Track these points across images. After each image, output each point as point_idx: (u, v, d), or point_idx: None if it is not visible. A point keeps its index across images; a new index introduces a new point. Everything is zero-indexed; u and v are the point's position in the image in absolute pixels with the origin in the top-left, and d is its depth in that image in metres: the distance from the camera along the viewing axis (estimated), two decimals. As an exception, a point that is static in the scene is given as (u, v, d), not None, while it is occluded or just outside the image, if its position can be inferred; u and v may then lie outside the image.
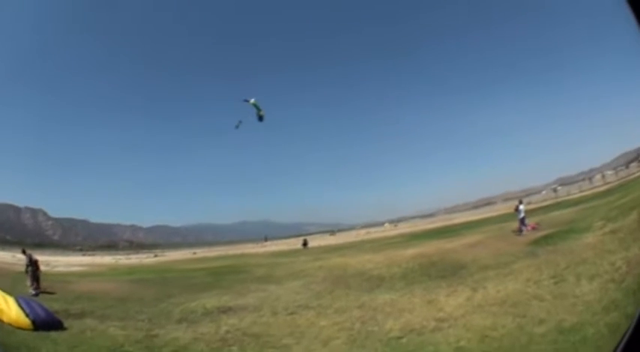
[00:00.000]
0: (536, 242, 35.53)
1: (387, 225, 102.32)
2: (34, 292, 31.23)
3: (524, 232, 41.98)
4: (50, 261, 49.73)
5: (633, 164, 75.11)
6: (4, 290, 23.71)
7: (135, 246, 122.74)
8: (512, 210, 46.62)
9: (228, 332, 22.43)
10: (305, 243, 72.71)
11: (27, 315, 21.10)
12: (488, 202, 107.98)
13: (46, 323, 21.32)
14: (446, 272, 31.58)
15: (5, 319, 20.96)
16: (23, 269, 33.64)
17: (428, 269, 33.83)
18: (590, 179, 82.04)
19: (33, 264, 33.58)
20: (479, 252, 36.33)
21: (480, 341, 17.70)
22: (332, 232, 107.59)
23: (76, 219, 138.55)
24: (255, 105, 47.17)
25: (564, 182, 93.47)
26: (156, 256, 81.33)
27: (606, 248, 27.10)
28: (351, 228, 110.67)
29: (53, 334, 20.82)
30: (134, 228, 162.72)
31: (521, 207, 44.35)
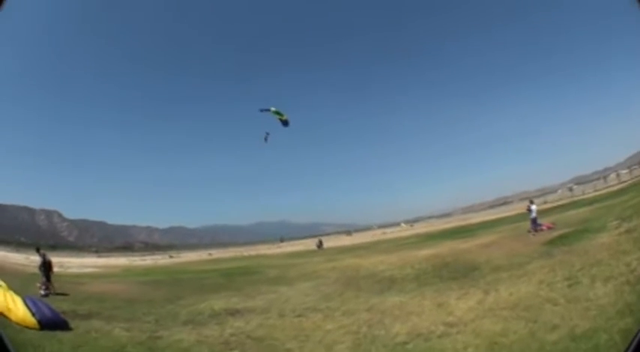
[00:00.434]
0: (551, 242, 35.02)
1: (403, 225, 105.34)
2: (43, 293, 31.32)
3: (536, 232, 41.93)
4: (64, 263, 52.52)
5: None
6: (14, 291, 23.81)
7: (150, 247, 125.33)
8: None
9: (232, 335, 22.19)
10: (320, 244, 73.07)
11: (33, 315, 21.28)
12: (504, 201, 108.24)
13: (52, 323, 21.51)
14: (458, 273, 31.08)
15: (13, 318, 21.24)
16: (36, 270, 33.81)
17: (440, 270, 33.34)
18: (604, 178, 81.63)
19: (46, 264, 33.64)
20: (492, 253, 35.96)
21: (489, 349, 17.04)
22: (348, 232, 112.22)
23: (91, 220, 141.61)
24: (276, 112, 47.32)
25: (580, 181, 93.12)
26: (171, 257, 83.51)
27: (621, 248, 26.48)
28: (368, 228, 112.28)
29: (59, 334, 20.84)
30: (150, 230, 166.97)
31: (533, 207, 44.40)
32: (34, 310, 21.64)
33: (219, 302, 29.60)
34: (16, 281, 30.08)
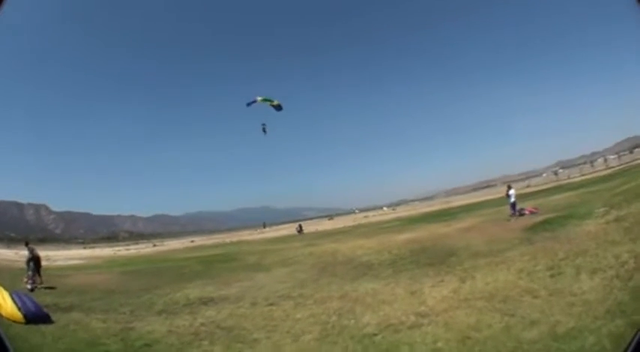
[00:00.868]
0: (533, 227, 34.16)
1: (385, 208, 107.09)
2: (30, 287, 31.73)
3: (518, 217, 41.67)
4: (51, 256, 52.75)
5: (638, 149, 73.63)
6: (4, 286, 24.22)
7: (135, 236, 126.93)
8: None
9: (202, 324, 21.92)
10: (300, 229, 74.57)
11: (19, 309, 21.90)
12: (487, 184, 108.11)
13: (35, 317, 22.05)
14: (435, 259, 30.21)
15: (3, 313, 21.84)
16: (24, 264, 34.08)
17: (418, 255, 32.64)
18: (591, 163, 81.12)
19: (35, 259, 33.82)
20: (472, 238, 35.14)
21: (461, 343, 15.68)
22: (330, 217, 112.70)
23: (77, 212, 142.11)
24: (265, 100, 46.61)
25: (566, 165, 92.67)
26: (155, 246, 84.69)
27: (609, 238, 25.00)
28: (350, 212, 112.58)
29: (42, 327, 21.18)
30: (134, 219, 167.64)
31: (512, 191, 44.36)
32: (19, 304, 22.21)
33: (194, 291, 29.71)
34: (5, 276, 33.50)
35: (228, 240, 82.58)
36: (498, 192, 50.50)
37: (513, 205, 43.26)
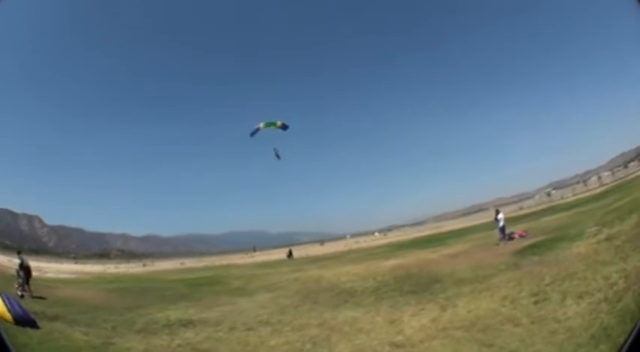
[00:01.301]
0: (521, 252, 33.25)
1: (376, 234, 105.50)
2: (20, 293, 32.30)
3: (507, 241, 40.72)
4: (43, 267, 53.99)
5: (632, 163, 72.44)
6: None
7: (126, 254, 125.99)
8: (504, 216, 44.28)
9: (179, 346, 22.10)
10: (290, 254, 73.05)
11: (9, 311, 22.45)
12: (479, 208, 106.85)
13: (23, 321, 22.56)
14: (419, 286, 29.51)
15: None
16: (15, 271, 34.73)
17: (402, 282, 31.96)
18: (585, 181, 79.97)
19: (24, 267, 34.29)
20: (458, 264, 34.37)
21: None
22: (321, 242, 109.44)
23: (70, 227, 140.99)
24: (268, 124, 45.79)
25: (558, 185, 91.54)
26: (145, 266, 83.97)
27: (600, 258, 24.00)
28: (342, 237, 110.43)
29: (29, 330, 21.68)
30: (126, 237, 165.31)
31: (500, 215, 43.32)
32: (9, 307, 22.76)
33: (176, 313, 29.53)
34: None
35: (217, 263, 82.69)
36: (489, 216, 49.08)
37: (502, 229, 42.22)
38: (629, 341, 10.16)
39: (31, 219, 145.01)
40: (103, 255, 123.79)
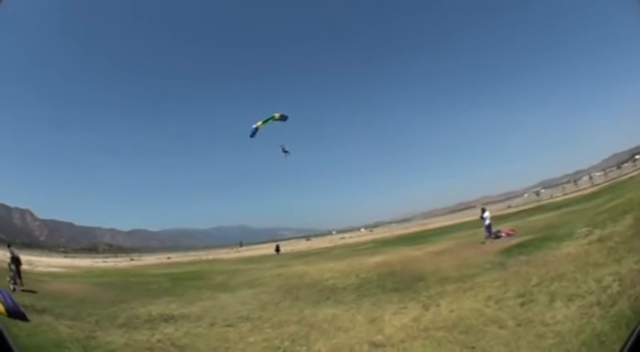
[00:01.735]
0: (508, 251, 32.41)
1: (362, 230, 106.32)
2: (12, 287, 32.53)
3: (493, 239, 40.14)
4: (33, 261, 54.53)
5: (626, 165, 71.92)
6: None
7: (114, 249, 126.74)
8: (492, 214, 44.03)
9: (159, 341, 22.03)
10: (277, 249, 73.34)
11: (2, 303, 22.88)
12: (467, 206, 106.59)
13: (14, 313, 22.93)
14: (402, 284, 28.99)
15: None
16: (7, 264, 34.97)
17: (385, 280, 31.52)
18: (575, 181, 79.62)
19: (15, 261, 34.61)
20: (443, 262, 33.88)
21: None
22: (307, 237, 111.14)
23: (60, 221, 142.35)
24: (265, 121, 44.52)
25: (548, 184, 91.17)
26: (132, 260, 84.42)
27: (591, 260, 23.14)
28: (328, 233, 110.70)
29: (19, 322, 22.04)
30: (114, 232, 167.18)
31: (486, 214, 42.85)
32: (2, 300, 23.15)
33: (158, 308, 29.58)
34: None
35: (204, 258, 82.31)
36: (477, 214, 48.37)
37: (488, 227, 41.75)
38: (626, 349, 9.29)
39: (23, 212, 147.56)
40: (91, 249, 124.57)
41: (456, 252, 38.20)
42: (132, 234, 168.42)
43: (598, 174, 75.14)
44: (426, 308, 22.23)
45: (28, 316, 23.40)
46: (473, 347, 15.82)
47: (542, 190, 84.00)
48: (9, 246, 39.18)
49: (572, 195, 66.05)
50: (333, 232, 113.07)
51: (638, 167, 66.62)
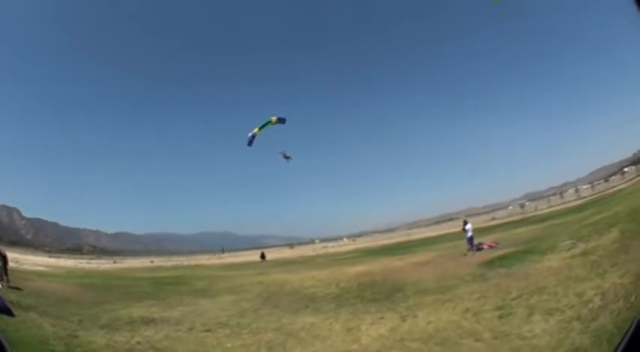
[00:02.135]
0: (490, 263, 32.43)
1: (345, 239, 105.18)
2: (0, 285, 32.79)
3: (475, 251, 40.12)
4: (20, 259, 57.57)
5: (614, 177, 71.98)
6: None
7: (98, 250, 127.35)
8: (475, 227, 44.66)
9: (138, 343, 22.24)
10: (263, 256, 74.32)
11: None
12: (451, 217, 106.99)
13: (0, 308, 23.21)
14: (381, 294, 29.01)
15: None
16: None
17: (365, 290, 31.63)
18: (561, 194, 79.70)
19: (2, 258, 34.93)
20: (424, 273, 33.94)
21: None
22: (291, 245, 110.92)
23: (46, 220, 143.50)
24: (262, 126, 44.10)
25: (533, 197, 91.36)
26: (115, 262, 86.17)
27: (573, 274, 23.04)
28: (311, 241, 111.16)
29: (5, 317, 22.45)
30: (98, 234, 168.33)
31: (468, 226, 42.78)
32: None
33: (139, 310, 29.85)
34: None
35: (186, 263, 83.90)
36: (461, 226, 48.24)
37: (470, 240, 41.68)
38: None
39: (10, 210, 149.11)
40: (75, 250, 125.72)
41: (437, 263, 38.25)
42: (116, 236, 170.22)
43: (585, 186, 75.19)
44: (403, 319, 22.04)
45: (14, 312, 23.68)
46: (449, 359, 15.28)
47: (527, 203, 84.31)
48: None
49: (557, 208, 66.11)
50: (317, 241, 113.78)
51: (626, 179, 66.57)
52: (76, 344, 20.85)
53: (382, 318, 22.95)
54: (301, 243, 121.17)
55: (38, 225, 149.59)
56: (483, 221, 65.62)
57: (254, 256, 76.82)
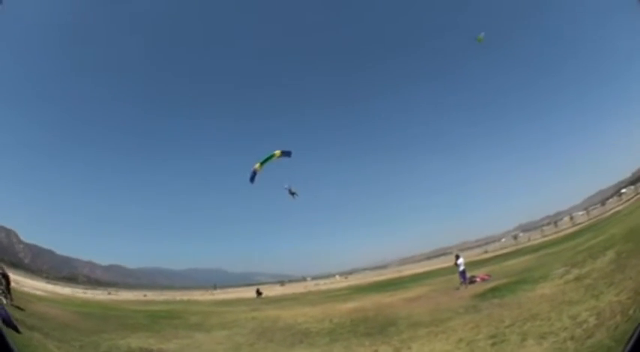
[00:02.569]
0: (483, 295, 32.57)
1: (337, 276, 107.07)
2: (4, 301, 31.84)
3: (468, 284, 40.18)
4: (20, 281, 56.71)
5: (610, 200, 71.79)
6: None
7: (93, 281, 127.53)
8: (468, 260, 44.83)
9: None
10: (259, 292, 74.60)
11: None
12: (443, 252, 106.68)
13: (7, 323, 22.81)
14: (374, 329, 28.66)
15: None
16: None
17: (358, 325, 31.15)
18: (555, 223, 79.65)
19: (5, 277, 34.59)
20: (416, 307, 33.75)
21: None
22: (282, 283, 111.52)
23: (42, 247, 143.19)
24: (265, 161, 43.53)
25: (527, 228, 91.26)
26: (109, 294, 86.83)
27: (567, 298, 23.34)
28: (302, 279, 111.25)
29: (13, 332, 21.70)
30: (92, 265, 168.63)
31: (460, 260, 42.78)
32: None
33: (136, 341, 29.60)
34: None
35: (178, 298, 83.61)
36: (452, 260, 48.23)
37: (463, 273, 41.67)
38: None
39: (9, 232, 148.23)
40: (71, 279, 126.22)
41: (429, 297, 38.20)
42: (109, 268, 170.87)
43: (580, 213, 74.89)
44: (398, 351, 22.00)
45: (20, 329, 23.50)
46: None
47: (521, 234, 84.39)
48: None
49: (551, 237, 66.42)
50: (308, 278, 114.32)
51: (623, 201, 66.12)
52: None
53: (376, 351, 22.83)
54: (292, 280, 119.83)
55: (35, 250, 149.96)
56: (476, 254, 65.81)
57: (245, 293, 77.55)
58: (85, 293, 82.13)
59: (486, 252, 73.49)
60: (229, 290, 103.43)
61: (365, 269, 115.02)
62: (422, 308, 32.42)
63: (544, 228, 79.32)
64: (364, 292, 55.40)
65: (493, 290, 33.11)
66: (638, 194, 64.56)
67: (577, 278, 27.39)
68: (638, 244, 29.43)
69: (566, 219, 76.68)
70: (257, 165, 42.24)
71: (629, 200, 65.04)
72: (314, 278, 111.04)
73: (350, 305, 42.70)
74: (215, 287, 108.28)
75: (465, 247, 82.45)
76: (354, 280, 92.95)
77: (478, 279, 40.45)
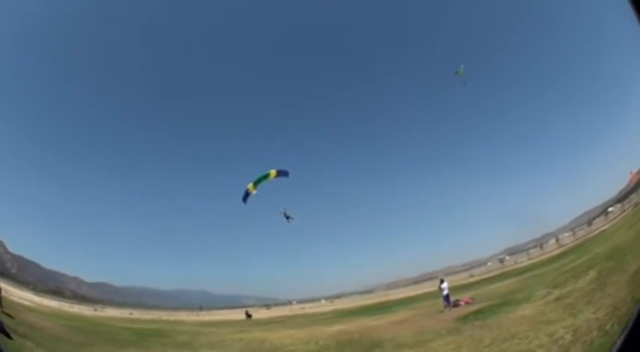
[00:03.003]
0: (465, 317, 32.88)
1: (323, 301, 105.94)
2: None
3: (452, 308, 40.36)
4: (8, 290, 52.13)
5: (597, 220, 71.75)
6: None
7: (79, 297, 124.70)
8: (453, 284, 45.49)
9: None
10: (248, 315, 74.12)
11: None
12: (429, 277, 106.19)
13: (0, 330, 23.46)
14: (360, 350, 29.89)
15: None
16: None
17: (343, 347, 32.08)
18: (541, 245, 79.60)
19: None
20: (401, 330, 34.00)
21: None
22: (267, 306, 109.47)
23: (28, 259, 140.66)
24: (258, 181, 43.09)
25: (513, 251, 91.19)
26: (96, 310, 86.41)
27: (545, 318, 24.13)
28: (288, 302, 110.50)
29: (4, 338, 22.50)
30: (78, 281, 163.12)
31: (444, 285, 43.75)
32: None
33: None
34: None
35: (164, 318, 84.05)
36: (436, 286, 48.75)
37: (447, 297, 42.21)
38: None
39: None
40: (57, 292, 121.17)
41: (414, 320, 38.34)
42: (96, 286, 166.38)
43: (566, 234, 74.88)
44: None
45: (12, 336, 24.36)
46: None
47: (507, 257, 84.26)
48: None
49: (536, 260, 66.78)
50: (294, 302, 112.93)
51: (609, 219, 66.21)
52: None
53: (360, 371, 23.14)
54: (278, 303, 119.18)
55: (21, 262, 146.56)
56: (462, 278, 66.59)
57: (231, 315, 77.52)
58: (71, 307, 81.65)
59: (472, 275, 73.91)
60: (215, 312, 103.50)
61: (352, 293, 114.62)
62: (406, 331, 32.69)
63: (530, 251, 79.40)
64: (351, 316, 55.23)
65: (476, 312, 33.47)
66: (623, 212, 64.66)
67: (557, 299, 28.04)
68: (619, 262, 29.39)
69: (552, 241, 76.75)
70: (250, 186, 41.69)
71: (615, 218, 65.34)
72: (299, 301, 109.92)
73: (336, 327, 42.69)
74: (201, 309, 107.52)
75: (452, 271, 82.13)
76: (340, 304, 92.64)
77: (462, 303, 40.74)
